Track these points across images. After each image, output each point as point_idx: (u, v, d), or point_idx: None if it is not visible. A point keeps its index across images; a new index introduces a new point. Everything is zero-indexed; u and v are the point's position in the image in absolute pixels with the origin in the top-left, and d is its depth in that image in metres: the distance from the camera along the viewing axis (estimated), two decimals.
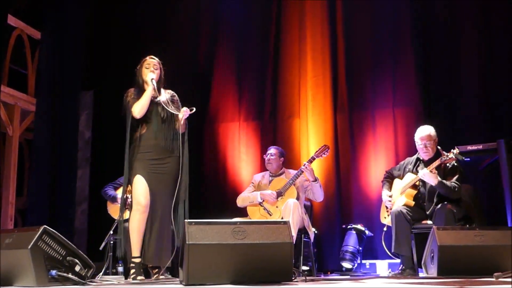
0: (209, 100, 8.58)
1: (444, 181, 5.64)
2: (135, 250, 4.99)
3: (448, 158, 5.61)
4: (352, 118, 8.01)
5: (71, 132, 8.48)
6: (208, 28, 8.89)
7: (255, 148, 8.30)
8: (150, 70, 5.23)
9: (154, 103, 5.15)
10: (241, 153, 8.37)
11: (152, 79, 5.14)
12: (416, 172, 5.94)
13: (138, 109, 5.04)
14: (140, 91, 5.16)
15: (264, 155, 6.86)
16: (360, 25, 8.20)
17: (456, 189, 5.65)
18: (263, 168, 7.30)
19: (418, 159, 6.07)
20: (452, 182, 5.67)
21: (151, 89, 5.12)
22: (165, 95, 5.29)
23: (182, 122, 5.17)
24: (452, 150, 5.61)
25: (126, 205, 5.24)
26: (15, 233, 4.19)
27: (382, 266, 7.03)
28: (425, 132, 5.95)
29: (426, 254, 4.95)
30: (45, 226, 4.00)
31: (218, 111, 8.56)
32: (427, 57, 7.82)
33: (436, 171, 5.65)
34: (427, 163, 5.85)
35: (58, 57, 8.35)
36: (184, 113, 5.15)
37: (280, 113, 8.30)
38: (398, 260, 6.16)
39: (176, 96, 5.42)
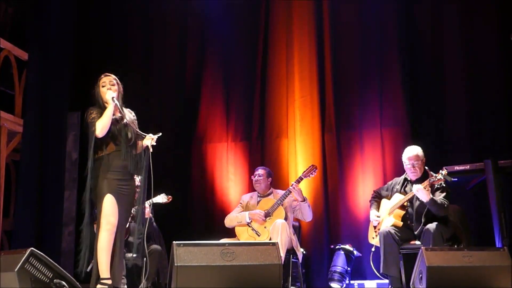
0: (197, 121, 8.57)
1: (435, 198, 5.66)
2: (105, 271, 4.90)
3: (436, 179, 5.63)
4: (340, 138, 8.02)
5: (58, 153, 8.43)
6: (195, 48, 8.88)
7: (243, 168, 8.29)
8: (107, 87, 5.15)
9: (121, 124, 5.11)
10: (229, 173, 8.34)
11: (113, 97, 5.08)
12: (404, 193, 5.96)
13: (100, 127, 4.95)
14: (102, 111, 5.07)
15: (252, 176, 6.86)
16: (347, 45, 8.24)
17: (445, 205, 5.67)
18: (251, 188, 7.29)
19: (405, 179, 6.09)
20: (441, 199, 5.69)
21: (112, 107, 5.03)
22: (129, 115, 5.25)
23: (149, 146, 5.16)
24: (440, 171, 5.64)
25: (94, 222, 5.18)
26: (1, 255, 4.16)
27: (370, 286, 7.01)
28: (412, 152, 5.98)
29: (415, 274, 4.94)
30: (32, 248, 3.98)
31: (206, 132, 8.54)
32: (414, 77, 7.85)
33: (430, 189, 5.68)
34: (414, 183, 5.87)
35: (45, 78, 8.31)
36: (152, 140, 5.15)
37: (268, 134, 8.30)
38: (386, 281, 6.15)
39: (135, 115, 5.37)
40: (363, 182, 7.81)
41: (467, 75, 7.65)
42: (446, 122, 7.64)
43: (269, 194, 6.70)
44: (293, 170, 7.97)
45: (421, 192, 5.66)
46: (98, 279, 4.89)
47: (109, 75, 5.24)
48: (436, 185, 5.79)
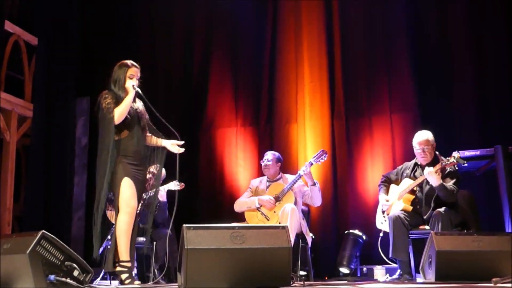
0: (206, 106, 8.58)
1: (444, 183, 5.64)
2: (125, 254, 4.93)
3: (449, 162, 5.61)
4: (349, 124, 8.02)
5: (68, 139, 8.47)
6: (203, 33, 8.89)
7: (253, 153, 8.30)
8: (134, 81, 5.19)
9: (136, 111, 5.15)
10: (238, 158, 8.36)
11: (133, 85, 5.12)
12: (414, 177, 5.94)
13: (118, 114, 4.97)
14: (117, 96, 5.11)
15: (261, 161, 6.86)
16: (356, 32, 8.22)
17: (454, 192, 5.65)
18: (260, 173, 7.31)
19: (416, 164, 6.06)
20: (450, 185, 5.67)
21: (132, 95, 5.08)
22: (139, 102, 5.30)
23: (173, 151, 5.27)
24: (453, 155, 5.61)
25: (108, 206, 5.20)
26: (13, 238, 4.18)
27: (379, 271, 7.02)
28: (423, 137, 5.95)
29: (424, 259, 4.94)
30: (43, 231, 4.00)
31: (215, 117, 8.55)
32: (422, 63, 7.83)
33: (441, 173, 5.66)
34: (425, 168, 5.84)
35: (54, 63, 8.35)
36: (177, 149, 5.30)
37: (278, 119, 8.30)
38: (395, 265, 6.16)
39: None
40: (372, 167, 7.81)
41: (475, 60, 7.62)
42: (455, 107, 7.62)
43: (278, 179, 6.70)
44: (302, 155, 7.98)
45: (432, 175, 5.63)
46: (117, 262, 4.92)
47: (138, 67, 5.29)
48: (448, 169, 5.76)
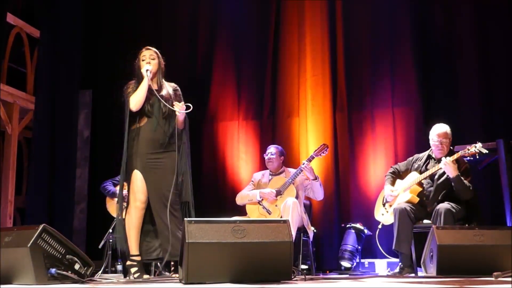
0: (208, 99, 8.57)
1: (462, 177, 5.60)
2: (134, 248, 4.93)
3: (469, 152, 5.57)
4: (351, 117, 8.01)
5: (70, 131, 8.47)
6: (206, 25, 8.89)
7: (254, 147, 8.30)
8: (147, 61, 5.08)
9: (156, 97, 5.02)
10: (240, 152, 8.36)
11: (147, 70, 5.02)
12: (425, 170, 5.86)
13: (134, 102, 4.92)
14: (139, 84, 5.05)
15: (264, 154, 6.85)
16: (359, 25, 8.20)
17: (471, 188, 5.62)
18: (262, 167, 7.30)
19: (429, 156, 6.00)
20: (466, 182, 5.63)
21: (146, 81, 4.98)
22: (168, 88, 5.18)
23: (181, 118, 5.06)
24: (474, 144, 5.57)
25: (124, 200, 5.12)
26: (15, 231, 4.18)
27: (380, 265, 7.03)
28: (442, 129, 5.88)
29: (426, 253, 4.94)
30: (44, 224, 4.00)
31: (217, 110, 8.55)
32: (426, 57, 7.82)
33: (456, 164, 5.62)
34: (438, 161, 5.79)
35: (57, 55, 8.34)
36: (180, 108, 5.00)
37: (280, 112, 8.29)
38: (396, 260, 6.15)
39: (179, 90, 5.29)
40: (374, 161, 7.81)
41: (479, 54, 7.60)
42: (458, 101, 7.61)
43: (281, 173, 6.70)
44: (304, 149, 7.98)
45: (448, 166, 5.58)
46: (128, 256, 4.92)
47: (150, 49, 5.18)
48: (465, 164, 5.73)
